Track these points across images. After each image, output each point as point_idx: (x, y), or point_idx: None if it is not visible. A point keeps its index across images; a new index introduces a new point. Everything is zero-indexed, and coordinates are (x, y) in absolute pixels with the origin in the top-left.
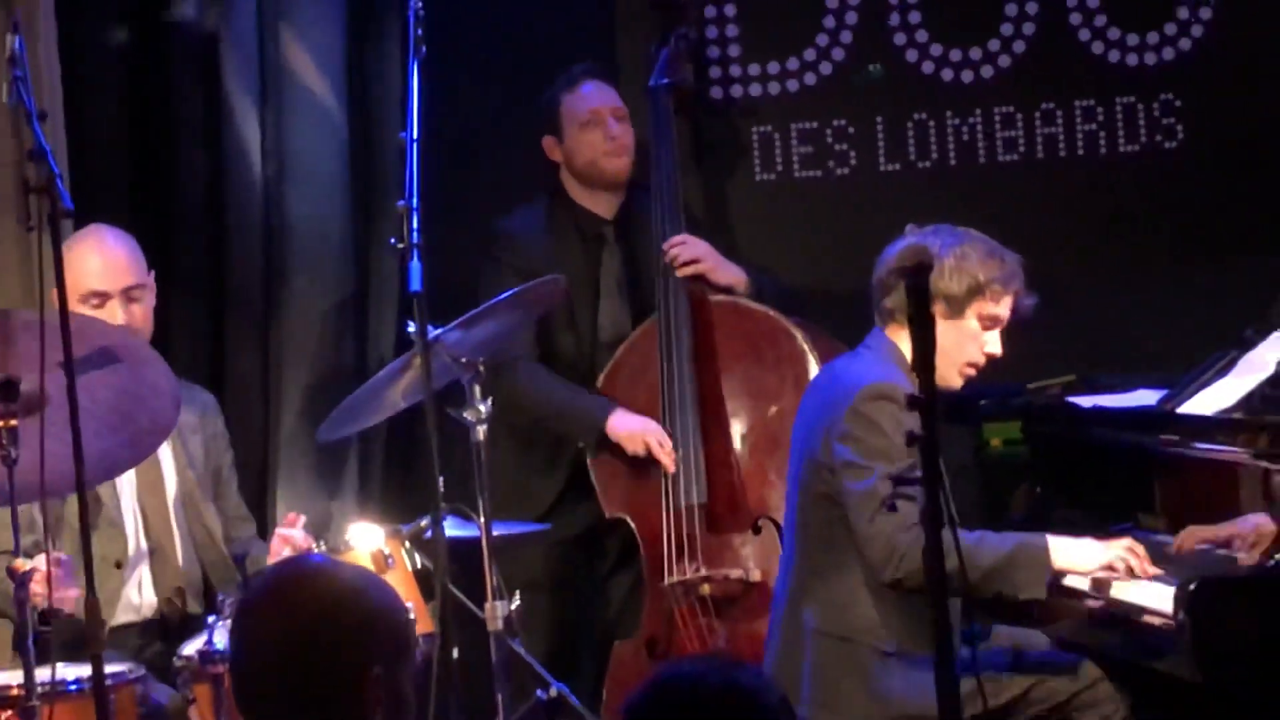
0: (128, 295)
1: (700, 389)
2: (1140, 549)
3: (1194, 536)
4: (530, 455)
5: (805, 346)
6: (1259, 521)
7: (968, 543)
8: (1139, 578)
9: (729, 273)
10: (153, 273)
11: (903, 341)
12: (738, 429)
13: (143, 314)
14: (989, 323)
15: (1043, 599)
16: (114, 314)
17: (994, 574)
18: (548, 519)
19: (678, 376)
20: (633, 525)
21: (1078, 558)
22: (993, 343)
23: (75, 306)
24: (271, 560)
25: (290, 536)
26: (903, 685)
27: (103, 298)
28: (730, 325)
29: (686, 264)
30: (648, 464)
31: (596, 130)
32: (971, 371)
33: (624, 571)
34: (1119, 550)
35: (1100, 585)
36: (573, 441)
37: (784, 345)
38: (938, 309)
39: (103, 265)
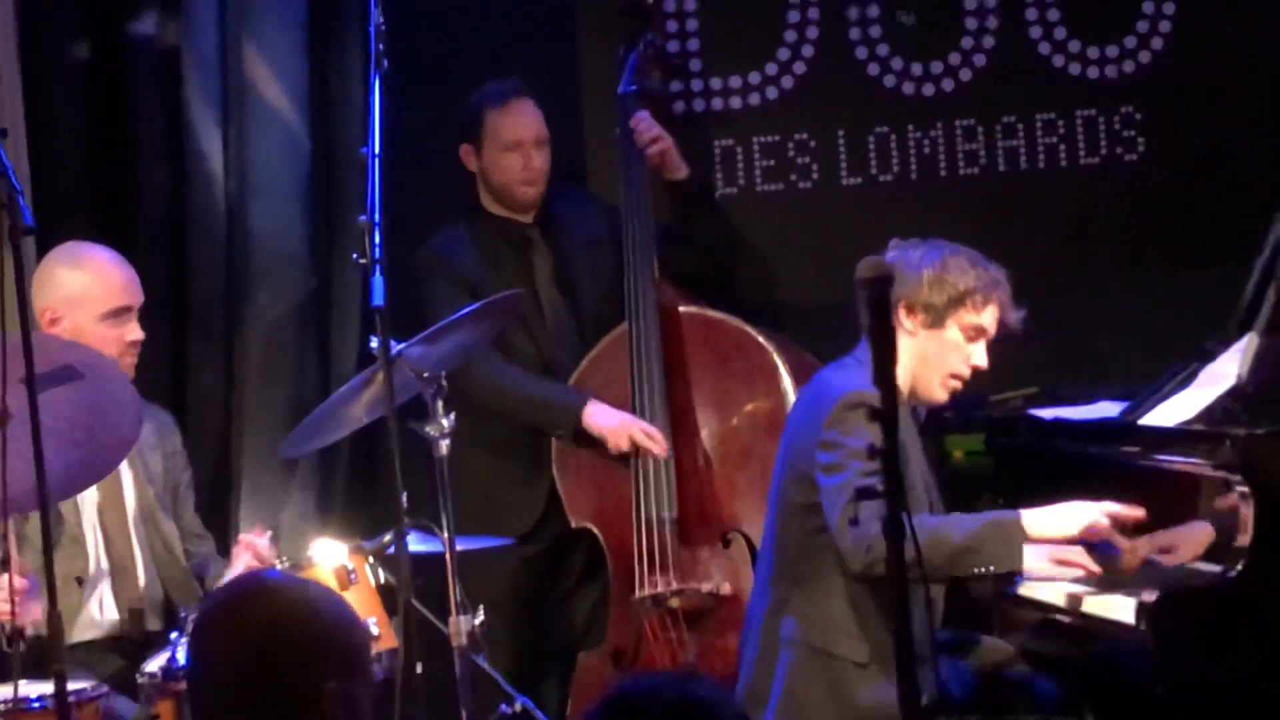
0: (140, 310)
1: (670, 401)
2: (1117, 511)
3: (1142, 549)
4: (511, 467)
5: (776, 359)
6: (1199, 529)
7: (932, 523)
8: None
9: (680, 163)
10: None
11: None
12: (708, 441)
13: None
14: (972, 333)
15: (1019, 570)
16: (135, 329)
17: (966, 551)
18: (534, 533)
19: (648, 388)
20: (600, 536)
21: (1055, 524)
22: (977, 354)
23: (92, 326)
24: (233, 565)
25: (254, 543)
26: (872, 699)
27: (128, 312)
28: (700, 337)
29: (652, 142)
30: (615, 474)
31: (516, 157)
32: (956, 384)
33: (590, 583)
34: (1095, 513)
35: (1074, 600)
36: (548, 442)
37: (754, 356)
38: (919, 320)
39: (127, 280)
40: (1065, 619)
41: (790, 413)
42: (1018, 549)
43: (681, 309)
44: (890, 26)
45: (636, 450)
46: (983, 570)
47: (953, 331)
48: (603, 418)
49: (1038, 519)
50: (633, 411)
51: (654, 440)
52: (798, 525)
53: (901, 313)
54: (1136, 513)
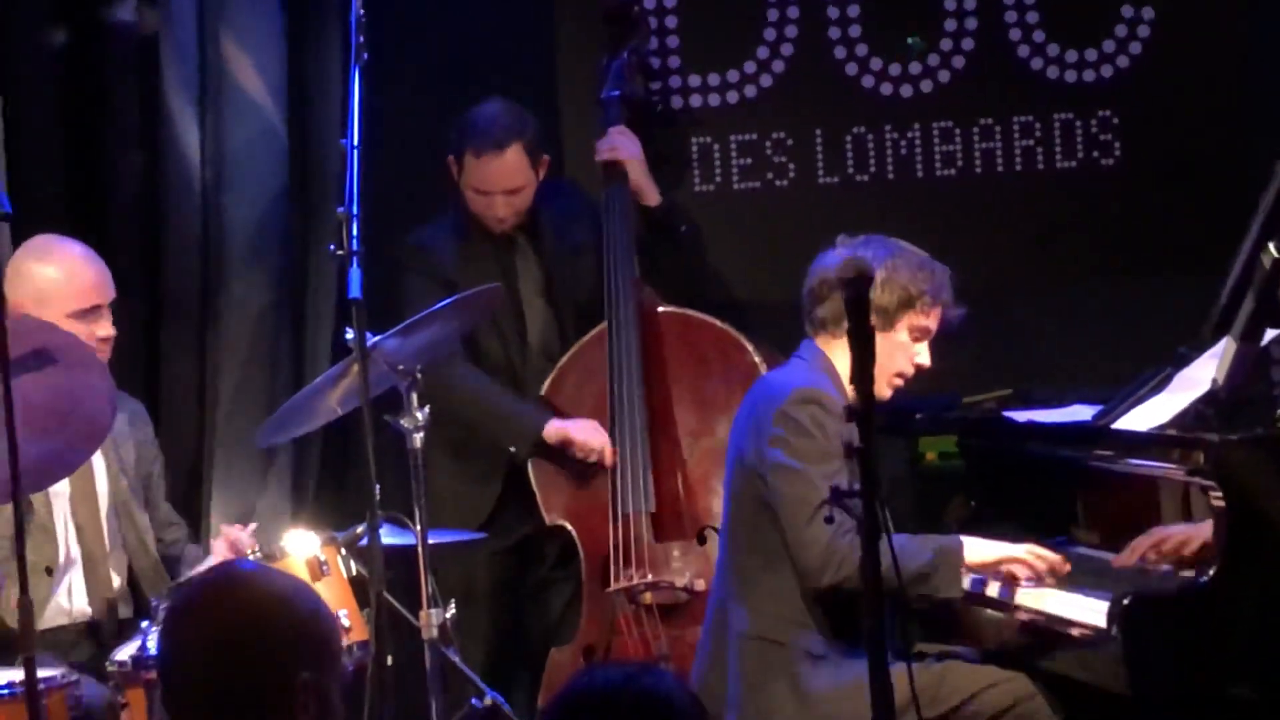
0: (111, 306)
1: (648, 398)
2: (1045, 557)
3: (1138, 550)
4: (467, 465)
5: (755, 359)
6: (1183, 532)
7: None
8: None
9: (650, 186)
10: None
11: (833, 351)
12: (685, 439)
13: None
14: (919, 334)
15: (959, 597)
16: (105, 325)
17: (919, 578)
18: (487, 528)
19: (626, 386)
20: (573, 532)
21: (987, 554)
22: (922, 354)
23: (61, 322)
24: (212, 558)
25: (236, 537)
26: (831, 685)
27: (98, 310)
28: (678, 336)
29: (607, 151)
30: (589, 471)
31: (485, 201)
32: (900, 382)
33: (562, 579)
34: (1021, 551)
35: (1023, 597)
36: (504, 448)
37: (733, 356)
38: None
39: (96, 277)
40: (1033, 620)
41: (738, 410)
42: (959, 577)
43: (661, 309)
44: (870, 27)
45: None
46: (930, 595)
47: (901, 333)
48: (562, 427)
49: (973, 547)
50: (610, 409)
51: (608, 452)
52: (746, 519)
53: None
54: (1064, 567)
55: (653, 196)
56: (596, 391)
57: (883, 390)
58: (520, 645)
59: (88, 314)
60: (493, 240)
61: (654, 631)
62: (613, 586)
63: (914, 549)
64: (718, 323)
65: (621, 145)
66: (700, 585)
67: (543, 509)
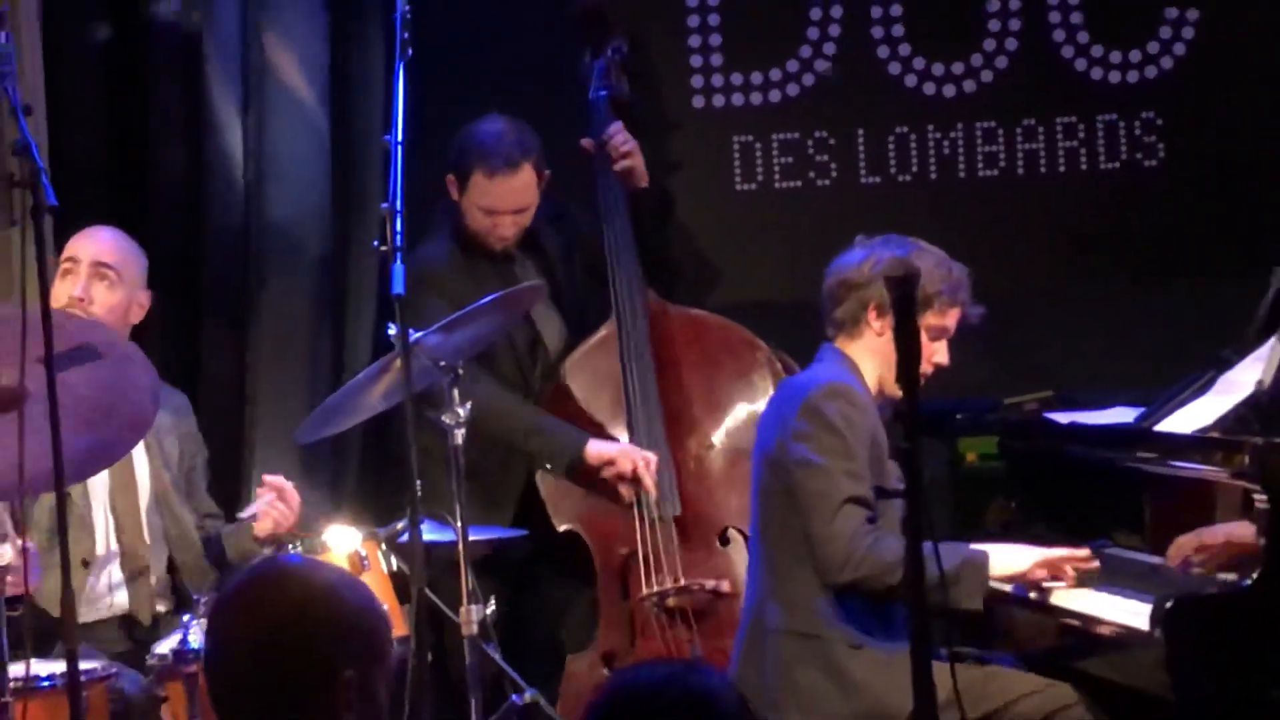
0: (97, 270)
1: (664, 401)
2: (1073, 558)
3: (1185, 548)
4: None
5: (765, 355)
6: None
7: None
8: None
9: (644, 174)
10: (148, 293)
11: (852, 352)
12: (702, 440)
13: (105, 301)
14: (936, 334)
15: (979, 610)
16: (76, 283)
17: (943, 585)
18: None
19: (641, 390)
20: (586, 538)
21: (1011, 565)
22: (940, 353)
23: (56, 280)
24: (257, 502)
25: (280, 483)
26: (873, 675)
27: (73, 264)
28: (688, 337)
29: (624, 156)
30: (600, 477)
31: (492, 221)
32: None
33: (573, 586)
34: (1050, 555)
35: (1065, 600)
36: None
37: (744, 354)
38: (887, 320)
39: (85, 239)
40: (1075, 624)
41: (763, 412)
42: (981, 590)
43: (669, 310)
44: (914, 27)
45: (634, 479)
46: (952, 606)
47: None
48: (604, 446)
49: (999, 558)
50: (627, 414)
51: (649, 472)
52: (775, 516)
53: (871, 314)
54: (1091, 564)
55: (644, 180)
56: (607, 399)
57: (899, 389)
58: (530, 652)
59: (64, 265)
60: (491, 257)
61: (685, 635)
62: (643, 592)
63: (942, 555)
64: (725, 321)
65: (633, 142)
66: (725, 587)
67: (553, 515)
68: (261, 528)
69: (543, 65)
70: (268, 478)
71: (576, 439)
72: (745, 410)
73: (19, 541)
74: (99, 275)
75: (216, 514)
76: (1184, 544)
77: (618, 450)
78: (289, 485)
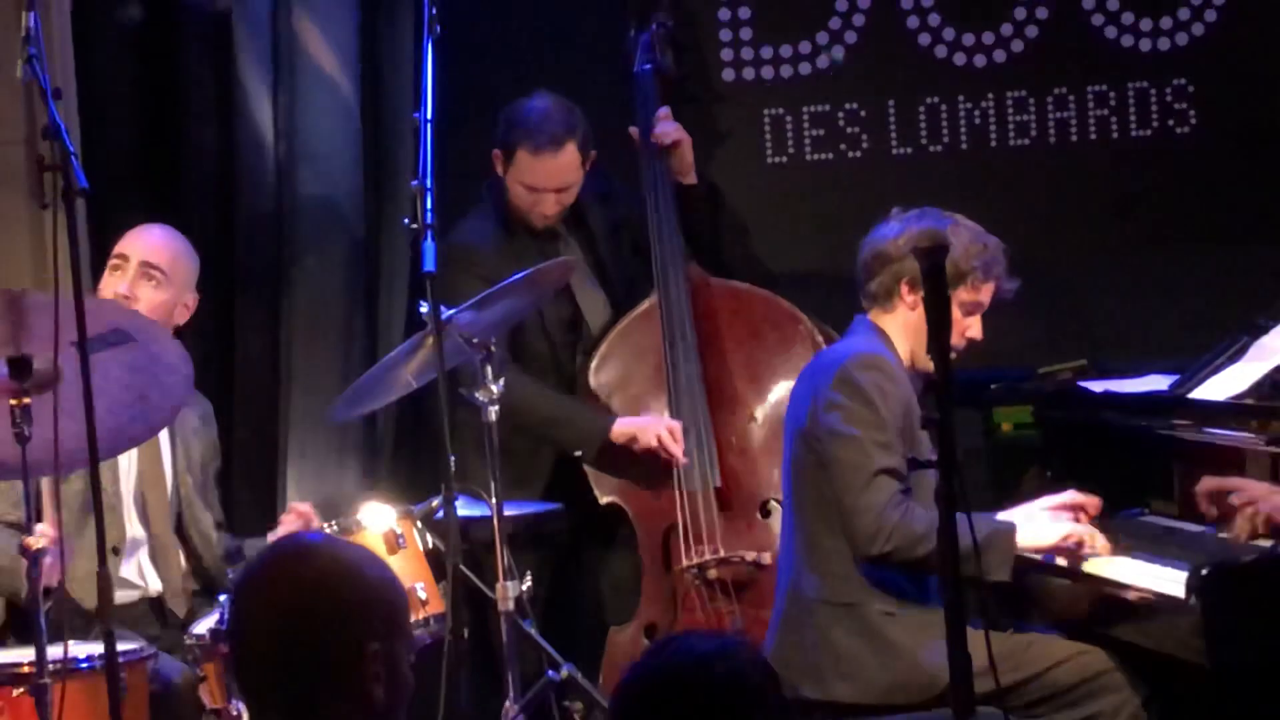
0: (144, 270)
1: (705, 374)
2: (1095, 535)
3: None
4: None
5: (808, 327)
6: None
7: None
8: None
9: (691, 167)
10: (195, 295)
11: (886, 325)
12: (743, 411)
13: (150, 300)
14: (970, 308)
15: (1007, 580)
16: (124, 281)
17: (971, 556)
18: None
19: (683, 362)
20: (628, 511)
21: (1037, 537)
22: (974, 327)
23: (106, 273)
24: (281, 529)
25: (304, 511)
26: (911, 641)
27: (122, 260)
28: (732, 308)
29: (673, 145)
30: (637, 452)
31: (534, 198)
32: (951, 356)
33: (615, 559)
34: (1078, 529)
35: (1101, 568)
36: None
37: (786, 326)
38: (919, 295)
39: (138, 236)
40: (1110, 591)
41: (795, 384)
42: (1009, 560)
43: (711, 282)
44: None
45: (662, 453)
46: (981, 576)
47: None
48: (628, 422)
49: (1026, 531)
50: (668, 386)
51: (678, 441)
52: (807, 487)
53: (904, 289)
54: (1094, 501)
55: (691, 174)
56: (649, 372)
57: (930, 363)
58: (571, 625)
59: (113, 261)
60: (535, 234)
61: (726, 606)
62: (682, 564)
63: (966, 528)
64: (767, 294)
65: (678, 127)
66: (767, 559)
67: (595, 488)
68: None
69: (581, 40)
70: (295, 505)
71: (601, 424)
72: (787, 383)
73: (50, 531)
74: (146, 275)
75: (223, 523)
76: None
77: (640, 425)
78: (313, 512)
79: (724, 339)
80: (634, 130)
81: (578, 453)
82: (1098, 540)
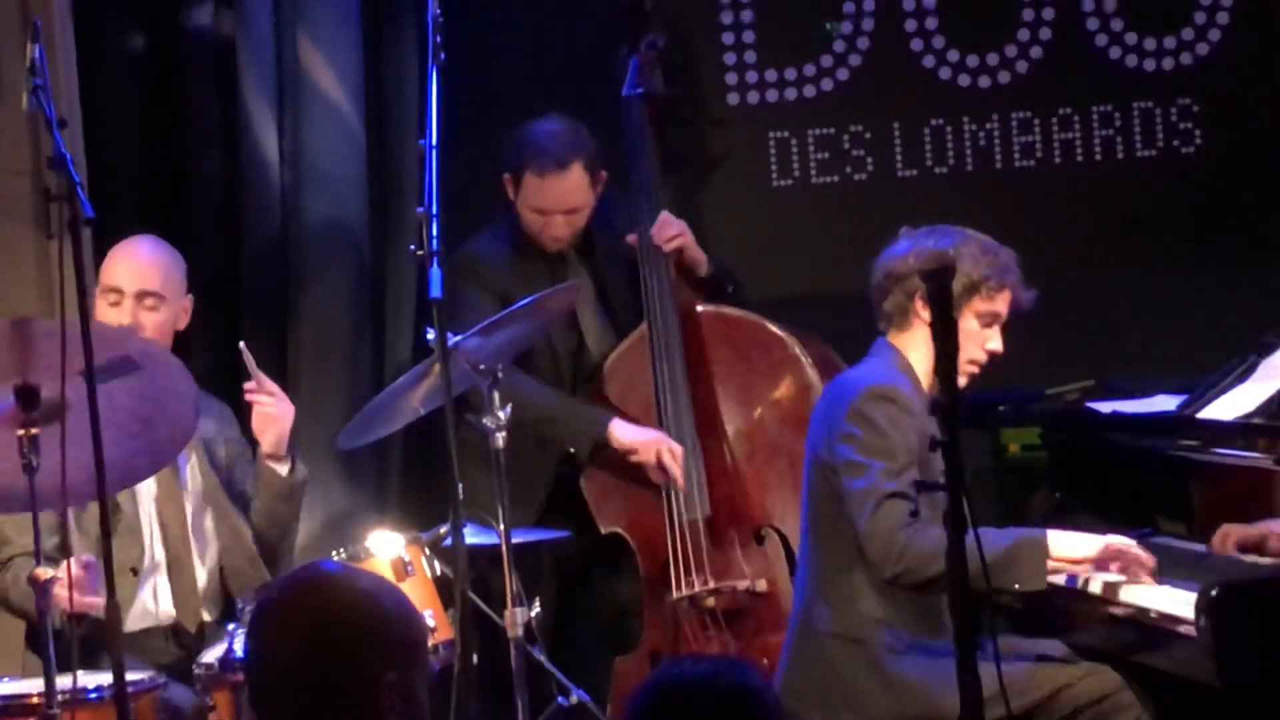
0: (141, 300)
1: (694, 400)
2: (1136, 551)
3: (1230, 536)
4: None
5: (797, 351)
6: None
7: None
8: (1134, 575)
9: (699, 252)
10: (190, 297)
11: (904, 345)
12: (734, 438)
13: (154, 324)
14: (988, 319)
15: (1043, 590)
16: (124, 315)
17: (999, 567)
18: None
19: (671, 390)
20: (630, 540)
21: (1076, 547)
22: (993, 339)
23: (97, 301)
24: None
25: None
26: (920, 672)
27: (119, 295)
28: (720, 334)
29: (672, 240)
30: (643, 478)
31: (544, 221)
32: (974, 369)
33: (618, 587)
34: (1115, 541)
35: (1110, 589)
36: (554, 452)
37: (775, 351)
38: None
39: (125, 264)
40: (1119, 612)
41: (814, 409)
42: (1045, 569)
43: (699, 308)
44: (947, 19)
45: (661, 469)
46: (1013, 587)
47: (969, 320)
48: (628, 434)
49: (1060, 541)
50: (657, 414)
51: (676, 460)
52: (823, 519)
53: (918, 304)
54: (1146, 570)
55: (704, 266)
56: (641, 399)
57: (958, 380)
58: (577, 655)
59: (107, 295)
60: (545, 257)
61: (719, 637)
62: (675, 595)
63: (995, 539)
64: (756, 318)
65: (681, 228)
66: (762, 586)
67: (597, 518)
68: (264, 441)
69: (581, 65)
70: (81, 556)
71: (598, 420)
72: (776, 408)
73: (82, 557)
74: (145, 306)
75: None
76: (1229, 532)
77: (643, 439)
78: (265, 379)
79: (713, 364)
80: (631, 238)
81: (572, 450)
82: (1140, 554)
